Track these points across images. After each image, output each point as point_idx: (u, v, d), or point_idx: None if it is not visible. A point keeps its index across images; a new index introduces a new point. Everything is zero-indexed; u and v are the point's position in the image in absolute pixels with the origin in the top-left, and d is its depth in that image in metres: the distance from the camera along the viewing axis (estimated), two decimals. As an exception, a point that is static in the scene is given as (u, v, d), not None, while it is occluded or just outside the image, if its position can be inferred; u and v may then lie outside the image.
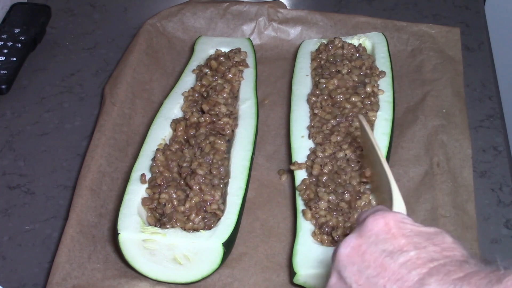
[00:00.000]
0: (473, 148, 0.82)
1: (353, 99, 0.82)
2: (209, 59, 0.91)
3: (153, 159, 0.76)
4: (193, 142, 0.79)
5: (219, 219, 0.71)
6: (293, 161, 0.79)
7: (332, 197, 0.72)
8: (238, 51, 0.91)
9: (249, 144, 0.80)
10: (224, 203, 0.73)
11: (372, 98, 0.83)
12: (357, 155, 0.77)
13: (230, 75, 0.87)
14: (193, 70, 0.90)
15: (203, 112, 0.82)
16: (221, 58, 0.90)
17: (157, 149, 0.77)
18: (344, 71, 0.87)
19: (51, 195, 0.82)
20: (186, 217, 0.71)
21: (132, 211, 0.71)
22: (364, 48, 0.91)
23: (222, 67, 0.88)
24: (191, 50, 0.95)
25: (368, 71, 0.87)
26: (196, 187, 0.72)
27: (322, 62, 0.90)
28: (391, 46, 0.93)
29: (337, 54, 0.90)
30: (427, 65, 0.93)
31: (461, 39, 0.96)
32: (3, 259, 0.75)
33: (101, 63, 1.00)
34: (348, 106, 0.82)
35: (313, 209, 0.72)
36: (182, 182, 0.74)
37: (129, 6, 1.11)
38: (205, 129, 0.80)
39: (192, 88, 0.86)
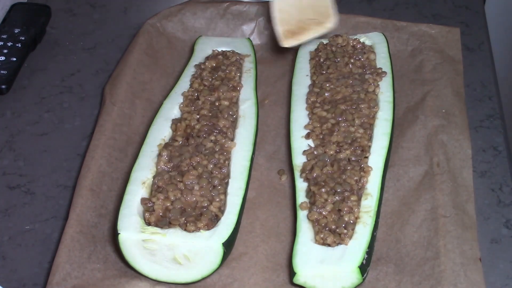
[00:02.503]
0: (473, 148, 0.82)
1: (345, 93, 0.83)
2: (209, 58, 0.91)
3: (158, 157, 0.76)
4: (193, 142, 0.79)
5: (219, 219, 0.71)
6: (293, 161, 0.79)
7: (337, 198, 0.72)
8: (234, 53, 0.92)
9: (249, 144, 0.80)
10: (224, 203, 0.73)
11: (371, 95, 0.83)
12: (357, 155, 0.77)
13: (230, 75, 0.88)
14: (194, 66, 0.90)
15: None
16: (220, 57, 0.90)
17: (160, 148, 0.78)
18: (342, 67, 0.87)
19: (51, 195, 0.82)
20: (186, 220, 0.70)
21: (132, 211, 0.71)
22: (371, 47, 0.91)
23: (222, 66, 0.88)
24: (191, 50, 0.95)
25: (369, 69, 0.87)
26: (196, 188, 0.73)
27: (322, 60, 0.90)
28: (391, 46, 0.94)
29: (336, 52, 0.90)
30: (427, 65, 0.93)
31: (461, 39, 0.96)
32: (3, 259, 0.75)
33: (101, 63, 1.00)
34: (340, 97, 0.82)
35: (316, 210, 0.72)
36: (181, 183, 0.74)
37: (129, 6, 1.11)
38: (204, 130, 0.80)
39: (191, 87, 0.86)
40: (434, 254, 0.71)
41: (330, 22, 0.81)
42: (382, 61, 0.90)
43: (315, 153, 0.78)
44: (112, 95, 0.87)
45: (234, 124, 0.82)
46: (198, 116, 0.81)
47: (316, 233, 0.70)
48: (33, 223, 0.79)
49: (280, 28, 0.82)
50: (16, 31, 0.99)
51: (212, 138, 0.78)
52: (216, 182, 0.74)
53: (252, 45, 0.96)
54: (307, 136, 0.81)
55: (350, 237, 0.69)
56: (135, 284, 0.70)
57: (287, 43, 0.82)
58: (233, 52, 0.92)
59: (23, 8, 1.03)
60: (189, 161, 0.75)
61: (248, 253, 0.74)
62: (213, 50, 0.93)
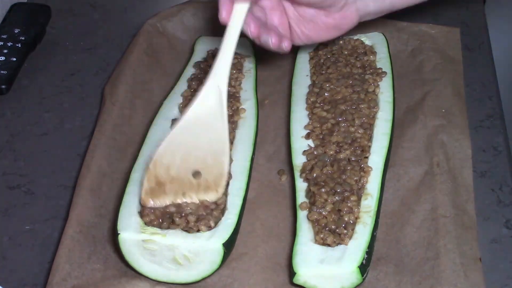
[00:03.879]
0: (473, 148, 0.82)
1: (345, 93, 0.83)
2: (208, 57, 0.91)
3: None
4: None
5: (220, 219, 0.71)
6: (293, 161, 0.79)
7: (337, 198, 0.72)
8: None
9: (249, 145, 0.80)
10: (224, 203, 0.73)
11: (371, 95, 0.83)
12: (357, 155, 0.77)
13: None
14: (194, 64, 0.90)
15: None
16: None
17: None
18: (342, 68, 0.87)
19: (51, 195, 0.82)
20: (186, 221, 0.70)
21: (132, 211, 0.71)
22: (371, 47, 0.92)
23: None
24: (191, 50, 0.95)
25: (369, 69, 0.87)
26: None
27: (322, 60, 0.90)
28: (391, 46, 0.94)
29: (336, 52, 0.90)
30: (427, 65, 0.93)
31: (461, 39, 0.96)
32: (3, 259, 0.75)
33: (101, 63, 1.00)
34: (340, 98, 0.82)
35: (316, 210, 0.72)
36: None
37: (129, 6, 1.11)
38: None
39: (190, 88, 0.86)
40: (434, 254, 0.71)
41: (214, 195, 0.71)
42: (382, 61, 0.90)
43: (315, 153, 0.78)
44: (112, 95, 0.87)
45: (234, 124, 0.82)
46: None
47: (316, 233, 0.70)
48: (33, 223, 0.79)
49: (146, 184, 0.70)
50: (16, 31, 0.99)
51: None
52: None
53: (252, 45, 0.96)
54: (307, 136, 0.81)
55: (350, 237, 0.69)
56: (135, 284, 0.70)
57: (149, 201, 0.70)
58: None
59: (23, 8, 1.03)
60: None
61: (248, 253, 0.74)
62: (214, 49, 0.93)
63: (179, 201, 0.70)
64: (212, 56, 0.92)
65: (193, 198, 0.71)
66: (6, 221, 0.79)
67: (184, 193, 0.70)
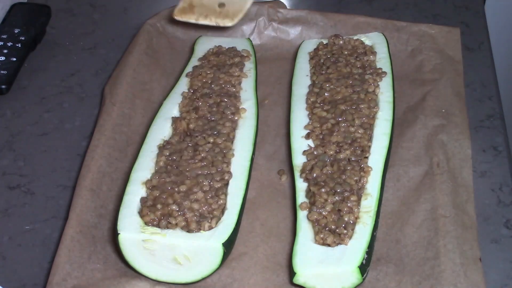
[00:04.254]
0: (473, 148, 0.82)
1: (345, 93, 0.83)
2: (208, 55, 0.91)
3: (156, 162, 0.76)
4: (192, 142, 0.79)
5: (219, 219, 0.71)
6: (293, 161, 0.79)
7: (337, 198, 0.72)
8: (236, 53, 0.92)
9: (249, 145, 0.80)
10: (224, 203, 0.73)
11: (371, 95, 0.83)
12: (357, 155, 0.77)
13: (230, 71, 0.88)
14: (197, 60, 0.90)
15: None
16: (221, 56, 0.90)
17: (159, 148, 0.77)
18: (342, 68, 0.87)
19: (51, 195, 0.82)
20: (186, 221, 0.70)
21: (132, 211, 0.71)
22: (371, 47, 0.92)
23: (221, 62, 0.89)
24: (191, 50, 0.95)
25: (369, 69, 0.87)
26: (196, 189, 0.72)
27: (322, 60, 0.90)
28: (391, 46, 0.94)
29: (336, 52, 0.90)
30: (427, 65, 0.93)
31: (461, 39, 0.96)
32: (3, 259, 0.75)
33: (101, 63, 1.00)
34: (340, 98, 0.82)
35: (316, 210, 0.72)
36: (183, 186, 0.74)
37: (129, 6, 1.11)
38: (203, 130, 0.80)
39: (190, 87, 0.86)
40: (434, 254, 0.71)
41: (229, 22, 0.84)
42: (382, 61, 0.90)
43: (315, 153, 0.78)
44: (112, 95, 0.87)
45: (234, 124, 0.82)
46: (197, 116, 0.81)
47: (316, 233, 0.70)
48: (33, 223, 0.79)
49: (181, 3, 0.84)
50: (16, 31, 0.99)
51: (212, 139, 0.78)
52: (216, 185, 0.74)
53: (252, 45, 0.96)
54: (307, 136, 0.81)
55: (350, 237, 0.69)
56: (135, 284, 0.70)
57: (179, 16, 0.85)
58: (235, 51, 0.92)
59: (23, 8, 1.03)
60: (188, 163, 0.75)
61: (248, 253, 0.74)
62: (216, 47, 0.93)
63: (201, 20, 0.83)
64: (212, 54, 0.92)
65: (212, 20, 0.83)
66: (6, 221, 0.79)
67: (207, 15, 0.83)
